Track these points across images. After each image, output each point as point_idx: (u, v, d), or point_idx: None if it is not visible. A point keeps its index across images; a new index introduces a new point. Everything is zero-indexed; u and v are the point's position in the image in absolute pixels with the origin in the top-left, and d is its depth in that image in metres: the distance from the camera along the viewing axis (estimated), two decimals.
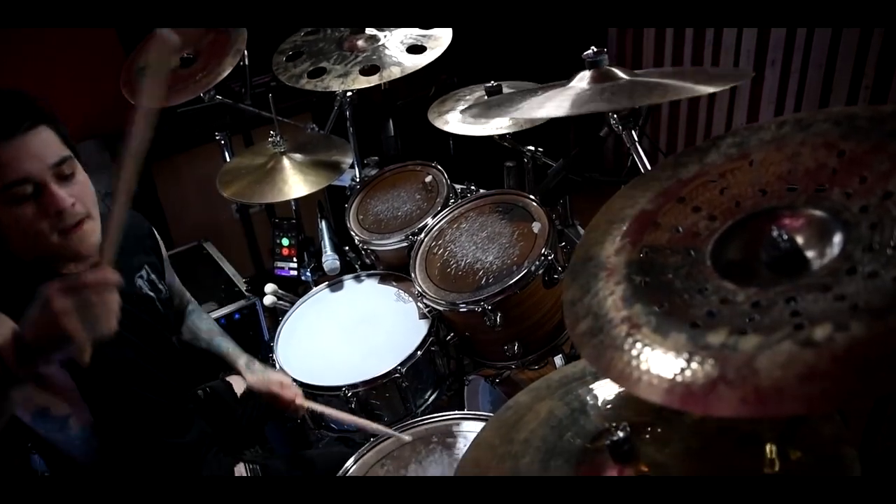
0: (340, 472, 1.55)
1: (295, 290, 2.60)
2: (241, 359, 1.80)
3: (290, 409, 1.72)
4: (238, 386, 1.99)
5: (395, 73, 2.10)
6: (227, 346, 1.84)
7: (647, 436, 0.98)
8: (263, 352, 2.61)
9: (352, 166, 2.38)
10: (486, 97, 2.07)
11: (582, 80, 1.54)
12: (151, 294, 1.59)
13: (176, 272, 1.93)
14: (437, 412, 1.66)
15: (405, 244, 2.01)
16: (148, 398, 1.53)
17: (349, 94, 2.34)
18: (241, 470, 1.73)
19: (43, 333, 1.03)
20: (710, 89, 1.36)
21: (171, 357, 1.64)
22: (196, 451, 1.66)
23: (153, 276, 1.61)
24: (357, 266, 2.27)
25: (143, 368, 1.52)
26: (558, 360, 2.04)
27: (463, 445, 1.54)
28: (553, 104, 1.44)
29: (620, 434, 0.93)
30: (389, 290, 2.05)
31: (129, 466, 1.52)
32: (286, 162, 2.23)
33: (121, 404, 1.48)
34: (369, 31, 2.24)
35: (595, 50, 1.54)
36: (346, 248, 2.30)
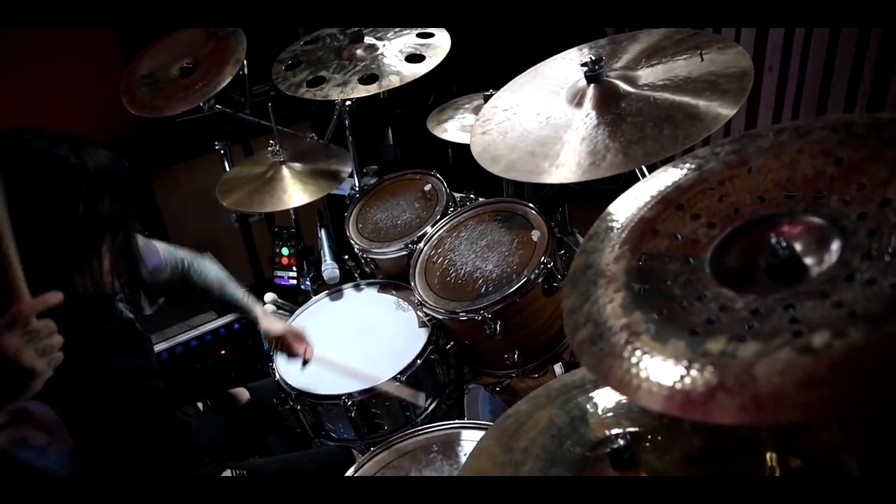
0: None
1: (294, 298, 2.60)
2: (257, 307, 1.92)
3: (297, 355, 1.89)
4: (239, 398, 1.99)
5: (393, 81, 2.10)
6: (240, 293, 1.91)
7: (648, 444, 0.97)
8: (263, 361, 2.62)
9: (351, 175, 2.39)
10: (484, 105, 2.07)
11: (586, 104, 1.54)
12: (132, 316, 1.60)
13: None
14: (436, 421, 1.66)
15: (404, 253, 2.01)
16: (130, 423, 1.53)
17: (348, 102, 2.35)
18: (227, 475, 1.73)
19: (4, 377, 1.03)
20: (726, 112, 1.36)
21: (154, 379, 1.63)
22: (184, 467, 1.65)
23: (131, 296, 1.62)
24: (356, 275, 2.27)
25: (127, 392, 1.52)
26: (558, 368, 2.04)
27: (463, 454, 1.54)
28: (573, 166, 1.43)
29: (621, 442, 0.93)
30: (389, 299, 2.05)
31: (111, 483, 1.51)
32: (286, 171, 2.24)
33: (103, 431, 1.47)
34: (368, 40, 2.25)
35: (592, 59, 1.54)
36: (346, 256, 2.30)
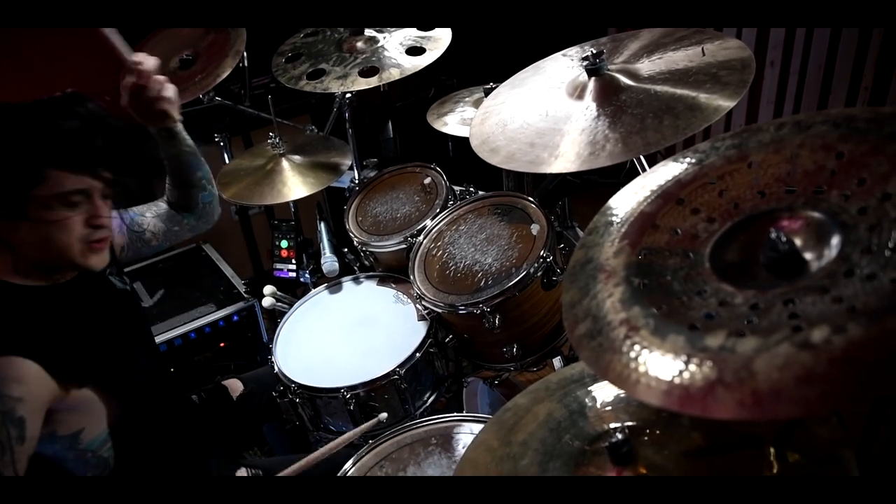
0: (339, 474, 1.54)
1: (294, 291, 2.61)
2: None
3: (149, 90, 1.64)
4: (233, 389, 1.99)
5: (394, 74, 2.10)
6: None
7: (646, 438, 0.97)
8: (262, 353, 2.62)
9: (351, 168, 2.38)
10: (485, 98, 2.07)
11: (586, 96, 1.53)
12: (127, 288, 1.63)
13: (175, 274, 1.93)
14: (435, 414, 1.66)
15: (404, 246, 2.01)
16: (146, 395, 1.54)
17: (348, 95, 2.34)
18: (242, 474, 1.74)
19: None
20: (726, 103, 1.36)
21: (154, 355, 1.67)
22: (199, 454, 1.67)
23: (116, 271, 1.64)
24: (356, 268, 2.27)
25: (131, 371, 1.53)
26: (557, 362, 2.04)
27: (461, 447, 1.54)
28: (572, 156, 1.42)
29: (619, 436, 0.93)
30: (388, 292, 2.05)
31: (139, 471, 1.52)
32: (285, 164, 2.23)
33: (128, 405, 1.48)
34: (368, 32, 2.25)
35: (593, 53, 1.53)
36: (345, 249, 2.30)
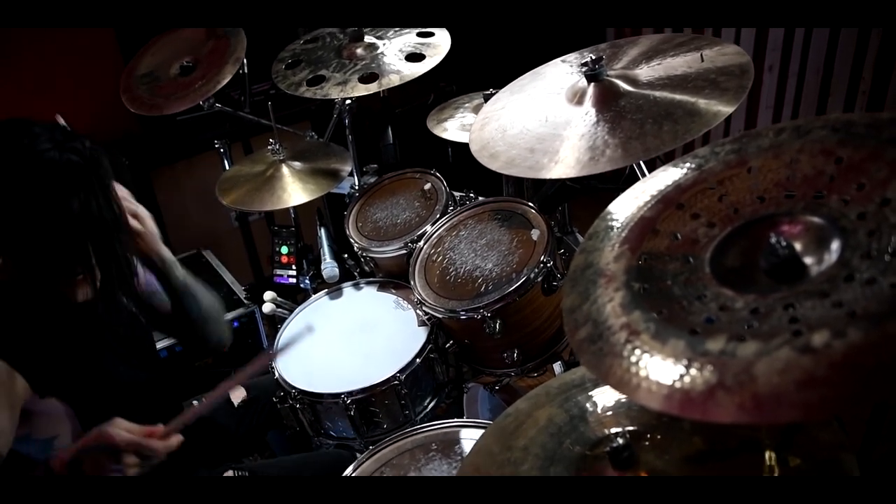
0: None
1: (294, 297, 2.60)
2: None
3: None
4: (234, 396, 1.99)
5: (393, 80, 2.10)
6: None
7: (647, 442, 0.98)
8: None
9: (351, 174, 2.38)
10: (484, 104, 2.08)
11: (586, 102, 1.54)
12: (134, 310, 1.62)
13: None
14: (436, 420, 1.66)
15: (404, 251, 2.01)
16: (137, 414, 1.53)
17: (348, 101, 2.35)
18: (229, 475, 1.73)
19: (99, 468, 1.26)
20: (726, 108, 1.36)
21: (156, 367, 1.66)
22: (187, 465, 1.66)
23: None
24: (356, 273, 2.27)
25: (133, 387, 1.52)
26: (557, 367, 2.04)
27: (462, 453, 1.54)
28: (572, 161, 1.43)
29: (620, 441, 0.93)
30: (388, 298, 2.05)
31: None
32: (285, 170, 2.23)
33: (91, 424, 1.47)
34: (368, 39, 2.25)
35: (593, 59, 1.54)
36: (345, 255, 2.30)
